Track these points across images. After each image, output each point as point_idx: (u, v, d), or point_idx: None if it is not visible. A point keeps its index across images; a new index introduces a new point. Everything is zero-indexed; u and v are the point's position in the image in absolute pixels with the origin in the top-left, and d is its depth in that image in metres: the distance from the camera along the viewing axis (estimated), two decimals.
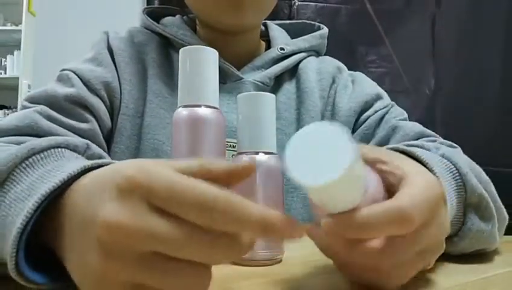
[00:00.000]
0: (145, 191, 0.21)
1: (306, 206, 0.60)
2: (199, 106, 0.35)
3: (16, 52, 2.61)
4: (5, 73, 2.69)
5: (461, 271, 0.36)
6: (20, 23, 2.46)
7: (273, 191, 0.36)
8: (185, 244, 0.21)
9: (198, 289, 0.23)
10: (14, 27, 2.61)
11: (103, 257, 0.22)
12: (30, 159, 0.31)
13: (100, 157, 0.41)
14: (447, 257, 0.39)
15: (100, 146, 0.53)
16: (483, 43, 1.53)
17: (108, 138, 0.58)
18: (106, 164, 0.28)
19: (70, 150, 0.36)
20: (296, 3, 1.57)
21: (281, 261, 0.37)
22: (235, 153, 0.56)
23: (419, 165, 0.34)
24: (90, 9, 2.15)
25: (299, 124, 0.63)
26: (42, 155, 0.31)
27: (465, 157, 0.44)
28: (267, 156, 0.37)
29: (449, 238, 0.38)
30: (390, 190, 0.29)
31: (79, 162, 0.28)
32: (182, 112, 0.35)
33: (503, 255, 0.45)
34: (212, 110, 0.36)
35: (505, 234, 0.51)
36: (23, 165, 0.30)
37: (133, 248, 0.21)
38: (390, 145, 0.41)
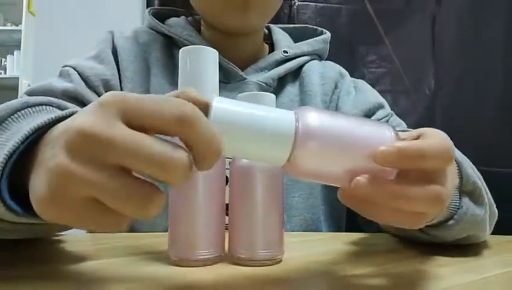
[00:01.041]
0: (120, 105, 0.23)
1: (308, 205, 0.60)
2: None
3: (15, 52, 2.60)
4: (5, 73, 2.69)
5: (461, 271, 0.36)
6: (20, 23, 2.46)
7: (273, 191, 0.36)
8: (146, 159, 0.22)
9: (144, 208, 0.23)
10: (14, 27, 2.60)
11: (67, 159, 0.22)
12: (23, 111, 0.33)
13: None
14: (447, 257, 0.39)
15: None
16: (483, 43, 1.53)
17: None
18: None
19: (61, 110, 0.38)
20: (296, 3, 1.56)
21: (281, 261, 0.37)
22: None
23: None
24: (90, 9, 2.14)
25: None
26: (34, 109, 0.34)
27: (460, 152, 0.46)
28: None
29: (445, 223, 0.40)
30: None
31: (69, 110, 0.30)
32: None
33: (503, 255, 0.45)
34: None
35: (505, 234, 0.51)
36: (16, 115, 0.32)
37: (97, 157, 0.22)
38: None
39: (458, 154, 0.42)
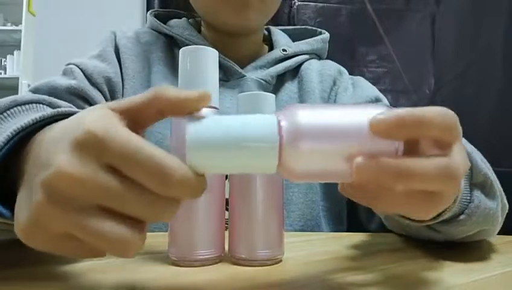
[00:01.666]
0: (100, 147, 0.22)
1: (307, 201, 0.61)
2: None
3: (15, 52, 2.60)
4: (5, 73, 2.69)
5: (462, 271, 0.36)
6: (20, 23, 2.46)
7: (273, 191, 0.36)
8: (127, 199, 0.23)
9: (125, 250, 0.23)
10: (14, 27, 2.60)
11: (46, 199, 0.23)
12: (12, 110, 0.33)
13: None
14: (447, 257, 0.39)
15: None
16: (483, 43, 1.53)
17: None
18: (75, 113, 0.29)
19: (53, 108, 0.37)
20: (296, 3, 1.57)
21: (281, 261, 0.37)
22: None
23: None
24: (90, 9, 2.14)
25: None
26: (24, 107, 0.34)
27: (468, 143, 0.43)
28: None
29: (456, 217, 0.38)
30: None
31: (52, 110, 0.30)
32: None
33: (504, 255, 0.45)
34: (212, 110, 0.36)
35: (505, 234, 0.51)
36: (5, 114, 0.32)
37: (76, 199, 0.23)
38: None
39: (467, 144, 0.40)
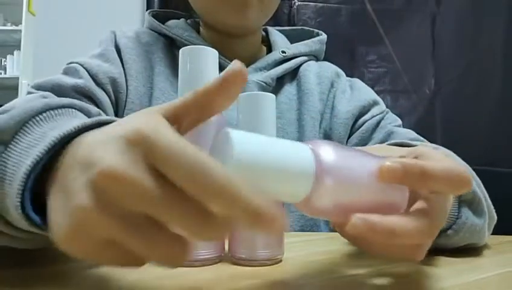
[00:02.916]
0: (149, 148, 0.21)
1: None
2: None
3: (15, 52, 2.60)
4: (5, 73, 2.69)
5: (461, 271, 0.36)
6: (20, 23, 2.46)
7: None
8: (173, 210, 0.21)
9: (169, 261, 0.22)
10: (14, 27, 2.60)
11: (91, 202, 0.21)
12: (44, 114, 0.31)
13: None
14: (446, 257, 0.39)
15: None
16: (483, 43, 1.53)
17: None
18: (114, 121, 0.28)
19: (84, 113, 0.36)
20: (296, 3, 1.57)
21: (281, 261, 0.37)
22: None
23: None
24: (90, 9, 2.15)
25: (300, 123, 0.65)
26: (57, 112, 0.32)
27: (459, 158, 0.45)
28: None
29: (444, 232, 0.39)
30: None
31: (93, 117, 0.29)
32: None
33: (503, 255, 0.45)
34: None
35: (505, 234, 0.51)
36: (37, 118, 0.30)
37: (123, 202, 0.21)
38: (395, 141, 0.44)
39: (459, 161, 0.42)
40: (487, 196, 0.43)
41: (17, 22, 2.54)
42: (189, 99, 0.26)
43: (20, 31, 2.45)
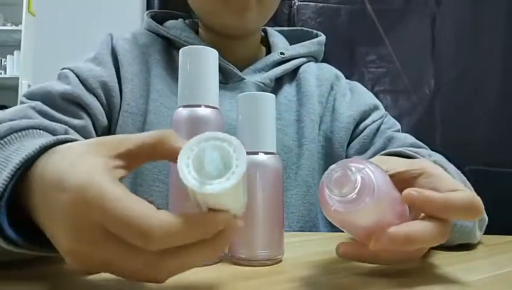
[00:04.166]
0: (95, 214, 0.24)
1: (305, 203, 0.61)
2: (199, 106, 0.36)
3: (15, 52, 2.61)
4: (5, 73, 2.69)
5: (461, 271, 0.36)
6: (20, 23, 2.46)
7: (273, 191, 0.36)
8: (129, 262, 0.25)
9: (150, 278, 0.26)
10: (14, 27, 2.61)
11: (72, 260, 0.26)
12: (8, 137, 0.33)
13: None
14: (445, 258, 0.39)
15: None
16: (483, 43, 1.53)
17: (105, 135, 0.59)
18: (74, 140, 0.31)
19: (48, 132, 0.39)
20: (296, 3, 1.57)
21: (281, 261, 0.37)
22: None
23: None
24: (90, 9, 2.14)
25: (299, 125, 0.65)
26: (20, 134, 0.34)
27: (452, 165, 0.48)
28: (266, 156, 0.37)
29: None
30: (408, 182, 0.33)
31: (52, 138, 0.31)
32: (182, 112, 0.35)
33: (502, 255, 0.45)
34: (212, 110, 0.36)
35: (505, 234, 0.51)
36: (2, 142, 0.32)
37: (97, 259, 0.25)
38: (393, 150, 0.46)
39: (450, 167, 0.43)
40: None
41: (17, 22, 2.54)
42: (148, 145, 0.28)
43: (20, 31, 2.45)
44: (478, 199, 0.30)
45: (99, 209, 0.23)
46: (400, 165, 0.35)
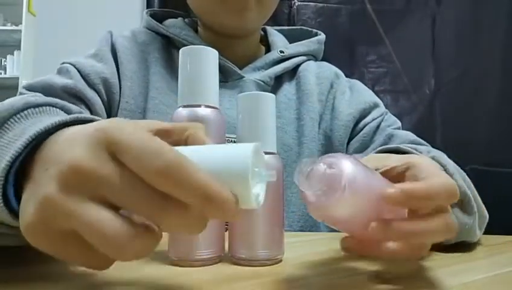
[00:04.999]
0: (110, 142, 0.23)
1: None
2: (199, 105, 0.36)
3: (16, 52, 2.60)
4: (5, 73, 2.69)
5: (461, 271, 0.36)
6: (20, 23, 2.46)
7: (273, 192, 0.36)
8: (130, 194, 0.22)
9: (118, 249, 0.22)
10: (14, 27, 2.61)
11: (55, 191, 0.22)
12: (25, 112, 0.32)
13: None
14: (445, 258, 0.39)
15: None
16: (483, 43, 1.53)
17: None
18: (96, 120, 0.29)
19: (64, 111, 0.38)
20: (296, 3, 1.57)
21: (281, 261, 0.37)
22: None
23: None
24: (90, 9, 2.15)
25: (299, 123, 0.65)
26: (37, 110, 0.34)
27: (451, 161, 0.48)
28: (267, 156, 0.37)
29: None
30: (398, 178, 0.33)
31: (72, 115, 0.30)
32: (182, 111, 0.35)
33: (502, 255, 0.45)
34: (212, 110, 0.36)
35: (505, 234, 0.51)
36: (18, 116, 0.32)
37: (86, 191, 0.22)
38: (391, 146, 0.46)
39: (449, 164, 0.43)
40: (477, 195, 0.44)
41: (17, 22, 2.54)
42: (177, 126, 0.29)
43: (20, 31, 2.45)
44: (453, 182, 0.30)
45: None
46: (391, 161, 0.35)
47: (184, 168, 0.22)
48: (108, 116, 0.59)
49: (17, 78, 2.44)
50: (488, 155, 1.40)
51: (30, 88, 0.53)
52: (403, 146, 0.45)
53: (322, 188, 0.28)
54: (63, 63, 0.58)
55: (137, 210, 0.23)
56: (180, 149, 0.24)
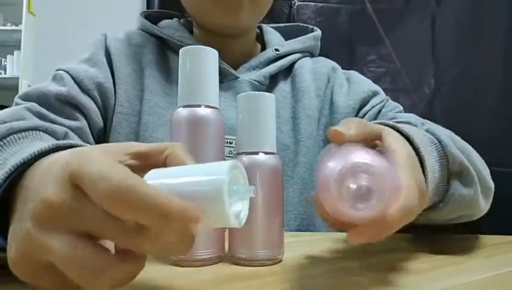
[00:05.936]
0: (73, 175, 0.23)
1: (302, 200, 0.61)
2: (199, 105, 0.36)
3: (15, 52, 2.61)
4: (5, 73, 2.69)
5: (461, 271, 0.36)
6: (20, 23, 2.46)
7: (273, 192, 0.36)
8: (106, 231, 0.23)
9: (91, 279, 0.23)
10: (14, 27, 2.61)
11: (32, 228, 0.23)
12: (8, 138, 0.33)
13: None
14: (445, 258, 0.39)
15: (88, 143, 0.54)
16: (483, 43, 1.53)
17: (101, 137, 0.59)
18: (76, 145, 0.30)
19: (48, 134, 0.39)
20: (296, 3, 1.57)
21: (281, 261, 0.37)
22: (232, 148, 0.57)
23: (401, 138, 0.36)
24: (90, 9, 2.14)
25: (295, 121, 0.65)
26: (20, 135, 0.34)
27: (448, 132, 0.46)
28: (267, 156, 0.37)
29: (435, 206, 0.41)
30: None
31: (51, 141, 0.31)
32: (182, 111, 0.35)
33: (502, 255, 0.45)
34: (212, 110, 0.36)
35: (505, 233, 0.51)
36: (1, 143, 0.33)
37: (61, 225, 0.23)
38: (380, 121, 0.44)
39: (444, 135, 0.41)
40: (480, 166, 0.44)
41: (17, 22, 2.54)
42: (154, 147, 0.28)
43: (20, 31, 2.45)
44: (413, 187, 0.29)
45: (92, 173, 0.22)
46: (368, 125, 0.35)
47: (134, 191, 0.21)
48: (104, 120, 0.59)
49: (17, 78, 2.44)
50: (488, 155, 1.40)
51: (25, 98, 0.53)
52: (392, 123, 0.41)
53: (367, 205, 0.26)
54: (58, 69, 0.58)
55: (110, 238, 0.23)
56: (155, 172, 0.25)
